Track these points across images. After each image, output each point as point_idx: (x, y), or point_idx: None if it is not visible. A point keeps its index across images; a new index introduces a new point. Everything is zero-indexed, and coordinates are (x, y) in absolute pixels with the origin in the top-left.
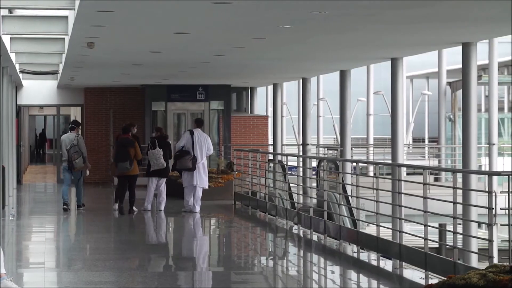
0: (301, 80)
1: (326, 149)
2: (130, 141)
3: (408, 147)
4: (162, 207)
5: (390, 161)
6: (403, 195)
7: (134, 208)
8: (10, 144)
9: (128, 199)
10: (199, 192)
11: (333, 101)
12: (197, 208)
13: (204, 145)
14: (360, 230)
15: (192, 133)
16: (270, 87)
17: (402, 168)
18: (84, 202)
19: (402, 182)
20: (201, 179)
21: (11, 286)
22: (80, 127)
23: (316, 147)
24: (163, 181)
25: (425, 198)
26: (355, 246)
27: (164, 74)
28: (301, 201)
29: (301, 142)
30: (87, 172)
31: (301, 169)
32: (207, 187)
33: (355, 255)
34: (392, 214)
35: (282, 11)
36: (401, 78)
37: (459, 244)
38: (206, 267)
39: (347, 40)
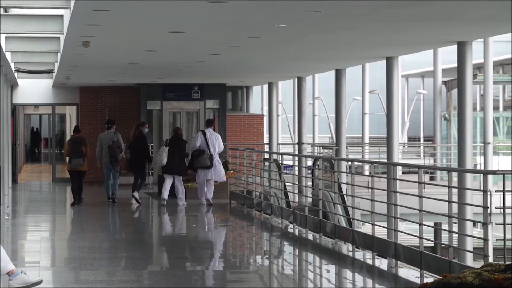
0: (296, 79)
1: (321, 148)
2: (82, 139)
3: (404, 146)
4: (181, 203)
5: (386, 160)
6: (398, 194)
7: (82, 199)
8: (5, 143)
9: (77, 191)
10: (212, 185)
11: (329, 100)
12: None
13: (216, 143)
14: (356, 229)
15: (204, 133)
16: (266, 86)
17: (397, 167)
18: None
19: (398, 181)
20: (218, 173)
21: (30, 280)
22: (114, 124)
23: (312, 146)
24: (179, 179)
25: (420, 197)
26: (350, 245)
27: (160, 73)
28: (297, 200)
29: (296, 141)
30: None
31: (296, 168)
32: (224, 179)
33: (350, 254)
34: (387, 213)
35: (278, 10)
36: (396, 77)
37: (454, 243)
38: (201, 266)
39: (342, 39)
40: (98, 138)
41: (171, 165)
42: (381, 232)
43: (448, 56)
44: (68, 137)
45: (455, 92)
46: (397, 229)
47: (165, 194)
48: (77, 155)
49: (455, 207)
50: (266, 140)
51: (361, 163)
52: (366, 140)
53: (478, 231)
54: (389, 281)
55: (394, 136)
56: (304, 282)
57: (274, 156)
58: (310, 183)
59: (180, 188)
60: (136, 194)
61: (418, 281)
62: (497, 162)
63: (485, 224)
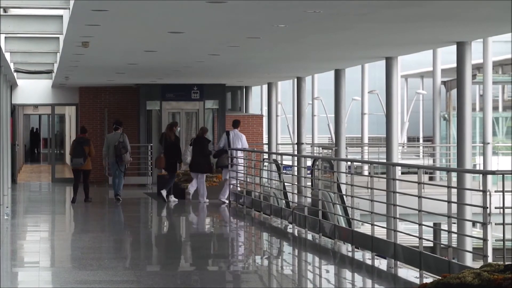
0: (295, 79)
1: (320, 148)
2: (85, 140)
3: (403, 146)
4: (202, 200)
5: (385, 160)
6: (397, 194)
7: (90, 198)
8: (5, 143)
9: (83, 190)
10: (229, 187)
11: (328, 100)
12: (223, 198)
13: (239, 144)
14: (355, 229)
15: (228, 134)
16: (265, 86)
17: (396, 167)
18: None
19: (397, 181)
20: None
21: None
22: (122, 125)
23: (311, 146)
24: (202, 177)
25: (419, 197)
26: (349, 245)
27: (159, 73)
28: (296, 200)
29: (295, 141)
30: (127, 164)
31: (295, 168)
32: None
33: (349, 254)
34: (386, 213)
35: (277, 11)
36: (395, 77)
37: (454, 243)
38: (201, 266)
39: (341, 39)
40: (105, 138)
41: (194, 164)
42: (380, 232)
43: (447, 56)
44: (67, 138)
45: (454, 92)
46: (396, 229)
47: (191, 189)
48: (78, 154)
49: (454, 207)
50: (265, 140)
51: (360, 163)
52: (366, 140)
53: (477, 231)
54: (388, 281)
55: (394, 136)
56: (304, 282)
57: (274, 156)
58: (310, 184)
59: (201, 187)
60: (163, 191)
61: (417, 281)
62: (497, 162)
63: (484, 224)
